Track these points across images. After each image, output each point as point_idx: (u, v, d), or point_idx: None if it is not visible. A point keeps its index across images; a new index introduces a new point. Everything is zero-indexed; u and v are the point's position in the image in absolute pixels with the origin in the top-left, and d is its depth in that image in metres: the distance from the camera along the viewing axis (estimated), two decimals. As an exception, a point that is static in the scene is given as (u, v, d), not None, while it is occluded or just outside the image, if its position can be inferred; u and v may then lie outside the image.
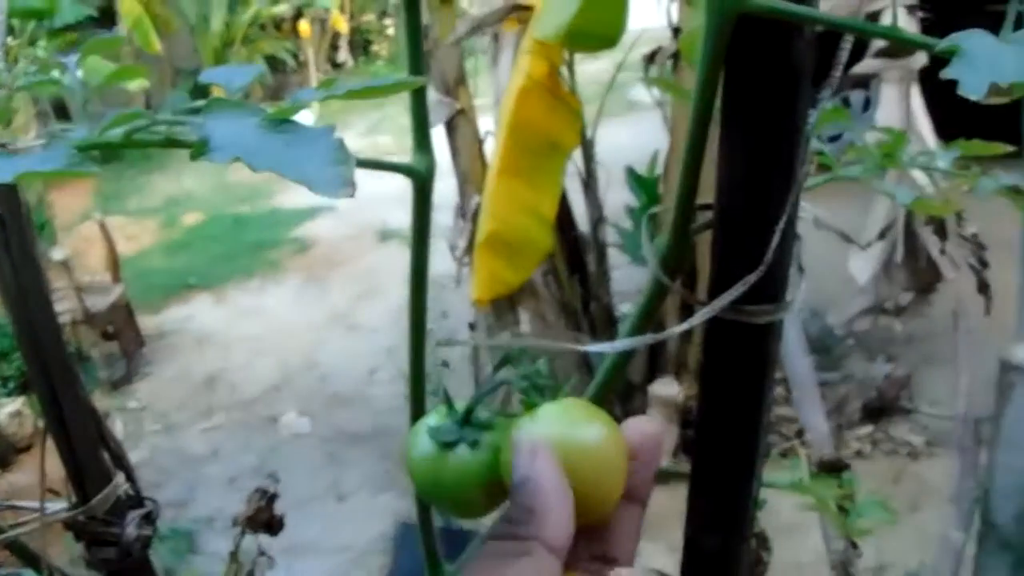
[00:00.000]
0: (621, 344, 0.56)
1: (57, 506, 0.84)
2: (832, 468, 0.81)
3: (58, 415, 0.78)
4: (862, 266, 4.08)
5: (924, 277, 4.01)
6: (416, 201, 0.62)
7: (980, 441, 2.92)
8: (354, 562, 3.73)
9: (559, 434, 0.54)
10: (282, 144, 0.37)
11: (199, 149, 0.37)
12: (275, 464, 4.57)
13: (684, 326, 0.53)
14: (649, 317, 0.60)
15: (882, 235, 3.98)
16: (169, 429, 5.07)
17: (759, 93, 0.50)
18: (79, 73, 0.44)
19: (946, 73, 0.40)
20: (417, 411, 0.74)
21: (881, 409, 4.20)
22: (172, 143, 0.40)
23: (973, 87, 0.39)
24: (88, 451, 0.82)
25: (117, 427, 4.80)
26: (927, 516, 3.32)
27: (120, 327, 5.58)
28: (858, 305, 4.34)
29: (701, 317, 0.52)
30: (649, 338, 0.55)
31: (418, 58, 0.60)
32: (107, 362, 5.50)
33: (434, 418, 0.62)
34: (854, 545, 0.80)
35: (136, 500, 0.89)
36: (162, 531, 3.56)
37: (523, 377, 0.60)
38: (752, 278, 0.50)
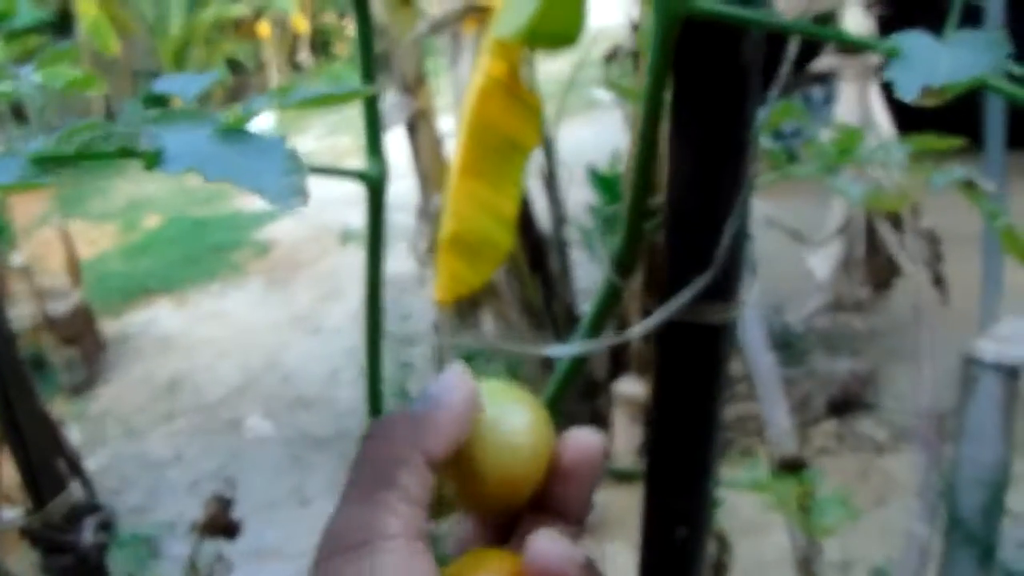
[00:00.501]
0: (576, 348, 0.56)
1: (12, 513, 0.84)
2: (793, 467, 0.82)
3: (12, 422, 0.77)
4: (821, 262, 4.10)
5: (882, 273, 4.03)
6: (370, 206, 0.62)
7: (944, 435, 2.94)
8: (319, 565, 3.71)
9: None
10: (235, 154, 0.37)
11: (153, 160, 0.37)
12: (238, 468, 4.55)
13: (638, 330, 0.53)
14: (604, 318, 0.60)
15: (841, 230, 4.01)
16: (131, 434, 5.04)
17: (707, 94, 0.51)
18: (36, 79, 0.44)
19: (884, 75, 0.41)
20: (375, 415, 0.75)
21: (845, 405, 4.22)
22: (128, 154, 0.40)
23: (906, 89, 0.40)
24: (43, 458, 0.81)
25: (74, 434, 4.77)
26: (893, 511, 3.34)
27: (81, 332, 5.55)
28: (816, 301, 4.36)
29: (655, 320, 0.52)
30: (604, 342, 0.56)
31: (369, 64, 0.60)
32: (68, 367, 5.46)
33: None
34: (815, 543, 0.81)
35: (92, 507, 0.88)
36: (123, 537, 3.54)
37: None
38: (703, 280, 0.51)
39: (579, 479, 0.54)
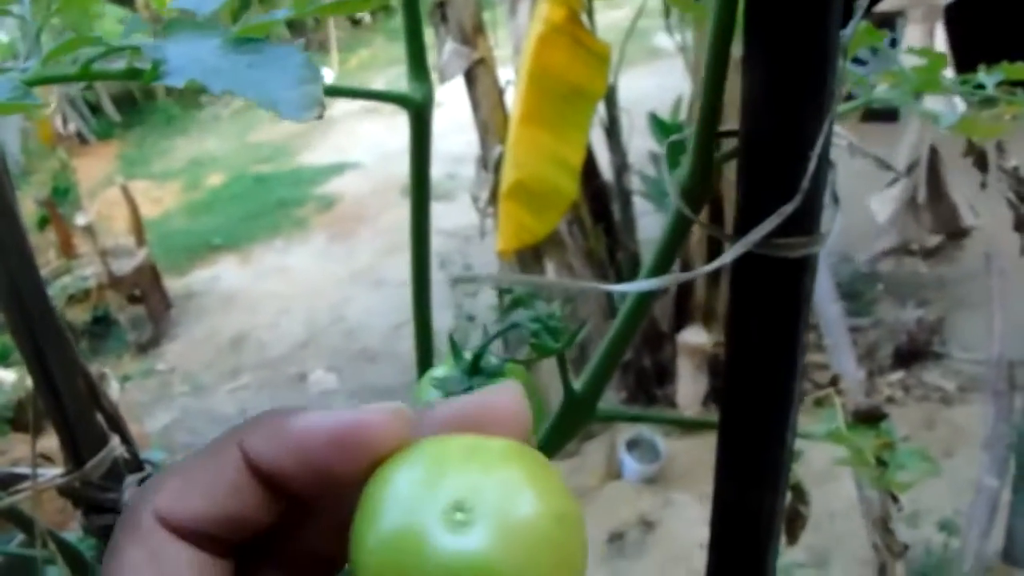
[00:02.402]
0: (644, 284, 0.51)
1: (52, 472, 0.81)
2: (869, 417, 0.77)
3: (46, 377, 0.74)
4: (882, 205, 4.01)
5: (948, 220, 3.94)
6: (413, 133, 0.57)
7: (1014, 385, 2.88)
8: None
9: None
10: (245, 65, 0.33)
11: (152, 73, 0.33)
12: (304, 422, 4.56)
13: (716, 264, 0.48)
14: (672, 255, 0.56)
15: (908, 171, 3.91)
16: (198, 390, 5.07)
17: (783, 3, 0.45)
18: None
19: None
20: (424, 362, 0.70)
21: (913, 354, 4.15)
22: (133, 74, 0.36)
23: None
24: (80, 414, 0.78)
25: (113, 388, 4.78)
26: (961, 462, 3.28)
27: (146, 290, 5.58)
28: (881, 245, 4.27)
29: (734, 253, 0.47)
30: (673, 278, 0.51)
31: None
32: (134, 325, 5.50)
33: (441, 369, 0.58)
34: (895, 499, 0.76)
35: (134, 464, 0.86)
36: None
37: (534, 320, 0.55)
38: (788, 208, 0.45)
39: None
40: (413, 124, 0.57)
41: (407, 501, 0.32)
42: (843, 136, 0.58)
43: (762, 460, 0.57)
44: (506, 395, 0.36)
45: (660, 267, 0.56)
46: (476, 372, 0.56)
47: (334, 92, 0.39)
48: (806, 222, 0.48)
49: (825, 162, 0.47)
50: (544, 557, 0.31)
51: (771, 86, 0.46)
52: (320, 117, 0.32)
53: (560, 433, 0.64)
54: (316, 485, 0.34)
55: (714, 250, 3.36)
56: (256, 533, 0.36)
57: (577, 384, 0.64)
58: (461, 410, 0.36)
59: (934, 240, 4.10)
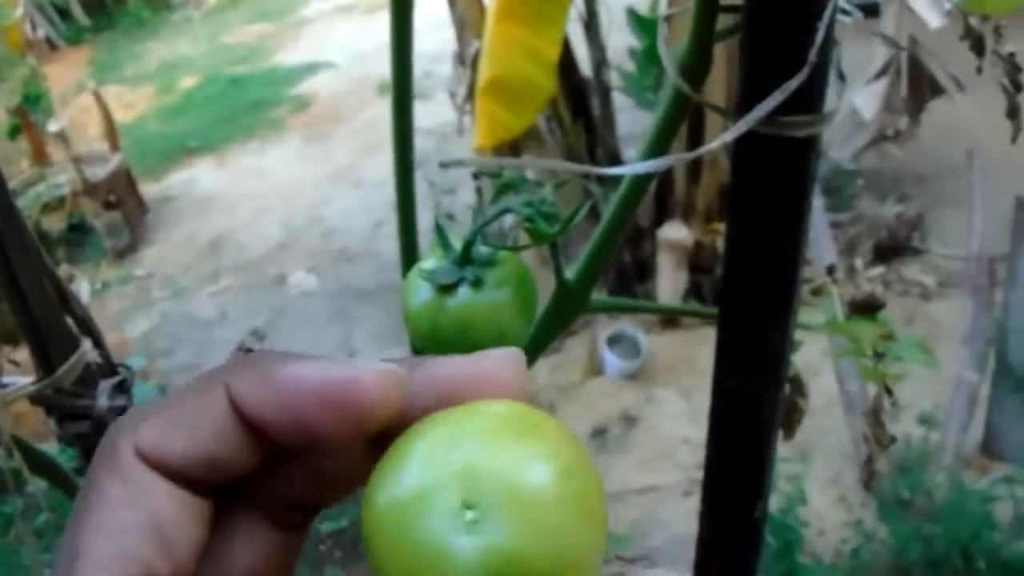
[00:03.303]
0: (641, 166, 0.49)
1: (24, 380, 0.78)
2: (866, 308, 0.75)
3: (11, 280, 0.71)
4: (867, 101, 3.98)
5: (921, 102, 3.90)
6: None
7: (994, 280, 2.89)
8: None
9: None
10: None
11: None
12: (284, 323, 4.57)
13: (718, 142, 0.46)
14: (670, 137, 0.53)
15: (885, 69, 3.87)
16: (177, 295, 5.05)
17: None
18: None
19: None
20: (409, 248, 0.68)
21: (892, 249, 4.15)
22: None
23: None
24: (49, 318, 0.75)
25: (83, 289, 4.75)
26: (940, 357, 3.29)
27: (122, 196, 5.52)
28: (862, 140, 4.24)
29: (736, 131, 0.45)
30: (675, 158, 0.49)
31: None
32: (110, 232, 5.46)
33: (430, 261, 0.56)
34: (889, 391, 0.74)
35: (107, 368, 0.83)
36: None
37: (527, 204, 0.53)
38: (794, 83, 0.44)
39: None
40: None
41: (414, 514, 0.31)
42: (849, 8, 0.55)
43: (763, 348, 0.55)
44: (504, 362, 0.35)
45: (657, 150, 0.54)
46: (467, 262, 0.54)
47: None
48: (811, 99, 0.46)
49: (831, 36, 0.44)
50: (567, 518, 0.31)
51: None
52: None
53: (552, 324, 0.63)
54: (299, 438, 0.33)
55: (696, 142, 3.33)
56: (237, 477, 0.34)
57: (570, 273, 0.62)
58: (455, 375, 0.35)
59: (903, 123, 4.07)
